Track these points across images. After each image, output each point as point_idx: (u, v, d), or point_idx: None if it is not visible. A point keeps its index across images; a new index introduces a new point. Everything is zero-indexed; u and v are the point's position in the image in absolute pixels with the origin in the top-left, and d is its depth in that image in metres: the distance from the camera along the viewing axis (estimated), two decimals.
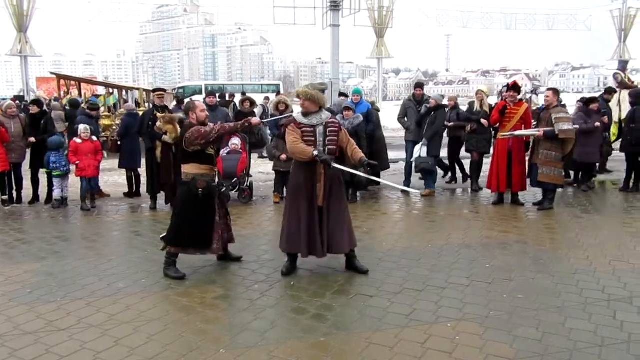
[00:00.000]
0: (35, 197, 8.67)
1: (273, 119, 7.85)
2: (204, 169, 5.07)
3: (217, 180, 5.33)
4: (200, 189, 5.00)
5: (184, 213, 5.05)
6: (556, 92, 8.06)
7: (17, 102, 13.02)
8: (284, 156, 8.45)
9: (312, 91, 5.05)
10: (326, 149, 5.02)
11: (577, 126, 8.12)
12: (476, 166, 9.31)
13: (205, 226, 5.04)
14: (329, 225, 5.08)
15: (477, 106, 9.13)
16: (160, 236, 5.65)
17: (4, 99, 29.52)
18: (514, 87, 8.17)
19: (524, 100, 9.26)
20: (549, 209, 7.73)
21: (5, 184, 8.31)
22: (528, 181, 8.13)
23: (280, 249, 5.28)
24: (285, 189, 8.64)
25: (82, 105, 12.45)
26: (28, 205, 8.49)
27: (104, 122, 15.17)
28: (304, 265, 5.42)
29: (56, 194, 8.30)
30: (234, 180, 8.47)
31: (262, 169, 11.54)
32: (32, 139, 8.43)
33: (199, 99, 18.28)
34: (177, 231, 5.06)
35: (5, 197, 8.22)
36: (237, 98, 16.59)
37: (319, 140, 5.01)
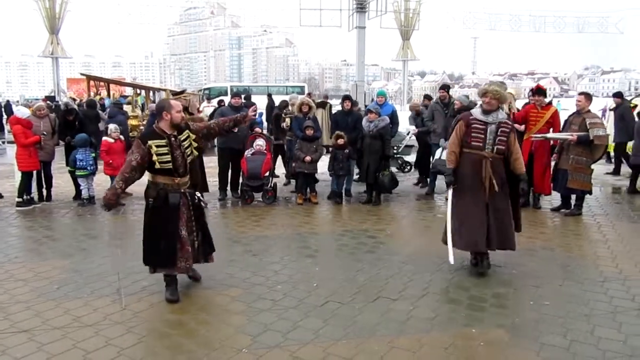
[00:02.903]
0: (79, 194, 8.76)
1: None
2: (161, 179, 4.52)
3: (185, 190, 4.66)
4: (150, 199, 4.53)
5: (143, 226, 4.62)
6: (589, 96, 7.87)
7: (48, 102, 13.33)
8: (308, 158, 8.47)
9: (502, 90, 5.11)
10: (495, 147, 5.06)
11: (609, 133, 7.95)
12: None
13: (164, 241, 4.50)
14: (497, 222, 5.10)
15: (505, 109, 9.00)
16: None
17: (35, 100, 30.28)
18: (539, 92, 8.01)
19: (552, 104, 9.08)
20: (577, 214, 7.57)
21: (30, 184, 8.45)
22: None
23: (456, 248, 5.21)
24: (308, 190, 8.68)
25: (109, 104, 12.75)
26: (71, 201, 8.65)
27: (131, 122, 15.44)
28: (327, 265, 5.42)
29: (84, 193, 8.46)
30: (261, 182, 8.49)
31: (285, 170, 11.56)
32: (69, 138, 8.61)
33: (224, 99, 18.50)
34: (143, 248, 4.64)
35: (28, 197, 8.38)
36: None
37: (488, 139, 5.05)
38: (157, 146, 4.42)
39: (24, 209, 8.17)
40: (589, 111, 7.60)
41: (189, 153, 4.61)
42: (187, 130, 4.62)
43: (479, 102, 5.49)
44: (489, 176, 5.03)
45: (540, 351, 3.65)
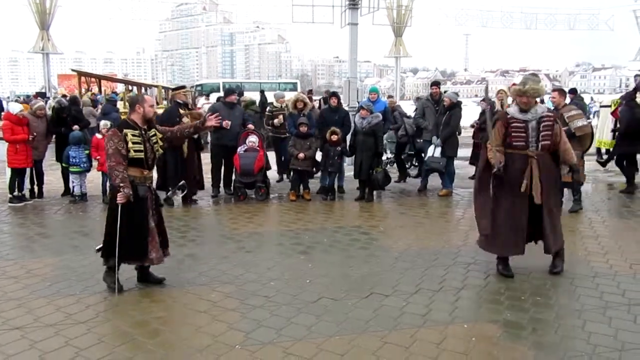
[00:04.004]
0: (67, 190, 8.76)
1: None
2: (130, 171, 4.57)
3: (149, 184, 4.77)
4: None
5: (112, 219, 4.59)
6: (562, 92, 7.94)
7: (39, 98, 13.25)
8: (301, 154, 8.46)
9: (540, 88, 4.95)
10: (539, 144, 4.89)
11: (590, 121, 8.02)
12: None
13: (136, 233, 4.58)
14: (541, 223, 4.96)
15: (497, 106, 9.07)
16: (96, 248, 4.90)
17: (27, 96, 29.81)
18: None
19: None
20: (579, 210, 7.61)
21: (23, 181, 8.44)
22: None
23: (485, 250, 5.16)
24: (301, 187, 8.67)
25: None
26: (61, 198, 8.63)
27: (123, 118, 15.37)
28: (320, 262, 5.44)
29: (76, 190, 8.42)
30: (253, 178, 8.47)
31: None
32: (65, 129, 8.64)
33: (217, 96, 18.40)
34: (107, 240, 4.65)
35: (20, 194, 8.35)
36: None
37: (531, 136, 4.91)
38: (132, 135, 4.58)
39: (15, 205, 8.12)
40: (565, 105, 7.67)
41: (157, 148, 4.78)
42: (155, 129, 4.81)
43: (510, 101, 5.35)
44: (537, 176, 4.88)
45: (531, 346, 3.68)
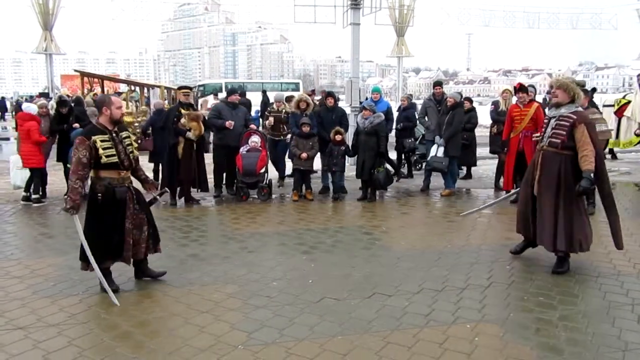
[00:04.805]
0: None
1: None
2: (106, 174, 4.61)
3: (129, 184, 4.77)
4: (99, 194, 4.60)
5: (88, 221, 4.68)
6: (585, 92, 7.86)
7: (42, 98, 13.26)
8: (304, 154, 8.47)
9: (564, 80, 5.03)
10: (548, 140, 5.05)
11: (611, 128, 7.91)
12: (502, 167, 9.19)
13: (112, 233, 4.61)
14: (538, 216, 5.19)
15: (502, 106, 9.04)
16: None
17: (30, 97, 29.77)
18: (522, 89, 8.02)
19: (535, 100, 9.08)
20: (591, 214, 7.54)
21: (43, 180, 8.51)
22: None
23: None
24: (304, 187, 8.68)
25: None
26: (64, 198, 8.65)
27: (126, 119, 15.36)
28: (322, 262, 5.44)
29: None
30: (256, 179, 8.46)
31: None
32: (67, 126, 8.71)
33: (219, 96, 18.36)
34: (89, 243, 4.63)
35: (25, 195, 8.39)
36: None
37: (547, 132, 5.07)
38: (101, 141, 4.55)
39: (36, 204, 8.19)
40: (587, 107, 7.54)
41: (130, 150, 4.77)
42: (128, 132, 4.90)
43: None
44: (538, 170, 5.10)
45: (534, 346, 3.67)
